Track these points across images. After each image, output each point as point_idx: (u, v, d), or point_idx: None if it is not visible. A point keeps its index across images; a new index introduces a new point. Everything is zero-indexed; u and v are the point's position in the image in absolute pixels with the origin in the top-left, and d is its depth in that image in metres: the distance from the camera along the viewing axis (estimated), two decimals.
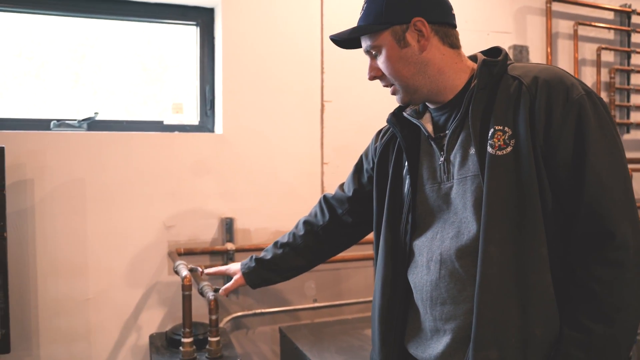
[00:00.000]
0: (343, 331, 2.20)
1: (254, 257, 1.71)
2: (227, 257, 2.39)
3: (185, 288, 1.86)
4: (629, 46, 3.44)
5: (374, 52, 1.26)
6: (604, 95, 3.33)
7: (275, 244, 1.71)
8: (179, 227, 2.37)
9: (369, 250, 2.67)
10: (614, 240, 1.05)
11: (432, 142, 1.29)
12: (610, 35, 3.42)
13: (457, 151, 1.22)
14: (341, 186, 1.69)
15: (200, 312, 2.27)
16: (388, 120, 1.36)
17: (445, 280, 1.21)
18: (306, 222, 1.70)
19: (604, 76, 3.35)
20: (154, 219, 2.32)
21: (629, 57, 3.43)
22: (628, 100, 3.43)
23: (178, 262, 2.00)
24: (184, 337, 1.85)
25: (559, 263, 1.12)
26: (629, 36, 3.44)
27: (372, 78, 1.30)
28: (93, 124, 2.37)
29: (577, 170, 1.09)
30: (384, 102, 2.70)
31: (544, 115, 1.10)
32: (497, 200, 1.11)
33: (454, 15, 1.27)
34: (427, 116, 1.32)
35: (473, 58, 1.29)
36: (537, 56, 3.13)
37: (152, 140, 2.33)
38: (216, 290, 1.92)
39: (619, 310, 1.05)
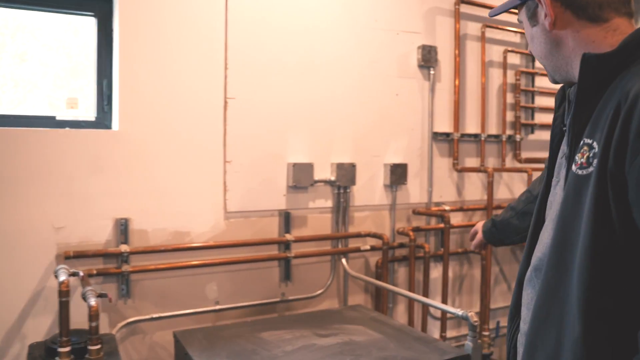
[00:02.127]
0: (239, 334, 2.15)
1: (492, 218, 1.80)
2: (122, 259, 2.28)
3: (63, 294, 1.75)
4: None
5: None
6: (510, 97, 3.44)
7: (507, 207, 1.75)
8: (70, 229, 2.24)
9: (273, 250, 2.63)
10: None
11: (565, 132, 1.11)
12: (516, 38, 3.53)
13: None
14: None
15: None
16: (556, 95, 1.18)
17: (528, 287, 1.13)
18: (527, 190, 1.69)
19: (510, 78, 3.45)
20: (42, 220, 2.18)
21: (533, 60, 3.55)
22: (532, 102, 3.55)
23: (59, 267, 1.90)
24: (60, 346, 1.75)
25: (622, 317, 0.89)
26: None
27: (530, 52, 1.19)
28: None
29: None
30: (290, 99, 2.67)
31: (622, 136, 0.86)
32: (561, 225, 0.98)
33: None
34: None
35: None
36: (445, 57, 3.18)
37: (42, 137, 2.19)
38: (101, 296, 1.83)
39: None
